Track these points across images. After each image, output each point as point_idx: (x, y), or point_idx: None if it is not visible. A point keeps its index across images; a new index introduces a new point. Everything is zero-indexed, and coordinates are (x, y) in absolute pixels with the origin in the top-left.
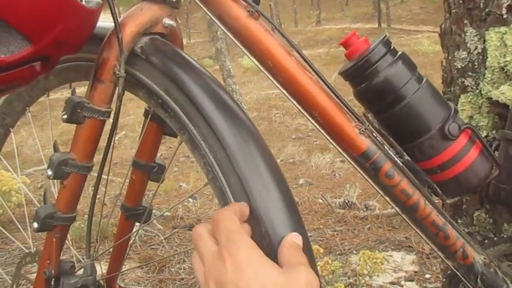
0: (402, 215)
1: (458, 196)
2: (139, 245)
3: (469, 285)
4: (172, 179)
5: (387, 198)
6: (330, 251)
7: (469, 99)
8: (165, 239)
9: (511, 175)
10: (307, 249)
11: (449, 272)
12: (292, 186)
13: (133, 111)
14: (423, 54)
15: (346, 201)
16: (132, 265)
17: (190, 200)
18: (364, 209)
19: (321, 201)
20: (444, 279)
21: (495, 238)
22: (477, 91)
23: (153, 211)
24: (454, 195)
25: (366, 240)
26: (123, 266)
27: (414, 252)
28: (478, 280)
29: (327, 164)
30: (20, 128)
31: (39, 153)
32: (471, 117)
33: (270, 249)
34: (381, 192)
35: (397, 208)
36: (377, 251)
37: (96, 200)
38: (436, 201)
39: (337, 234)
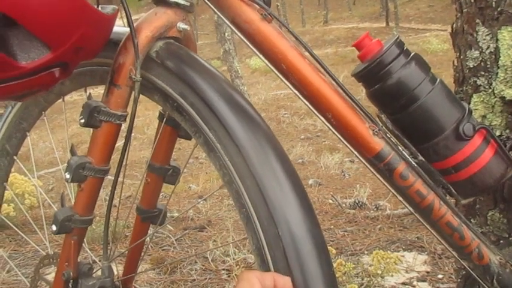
0: (417, 216)
1: (473, 196)
2: (151, 247)
3: (485, 285)
4: (181, 180)
5: (401, 199)
6: (341, 252)
7: (481, 99)
8: (176, 240)
9: None
10: (322, 250)
11: (464, 272)
12: None
13: (141, 113)
14: (432, 52)
15: (357, 201)
16: (144, 267)
17: (199, 201)
18: (375, 209)
19: (331, 201)
20: (459, 280)
21: (510, 238)
22: (490, 90)
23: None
24: (469, 195)
25: (377, 240)
26: None
27: (426, 253)
28: (494, 281)
29: (336, 164)
30: (31, 131)
31: (49, 155)
32: (484, 116)
33: (285, 251)
34: (395, 193)
35: (411, 209)
36: (388, 251)
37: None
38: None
39: (348, 234)
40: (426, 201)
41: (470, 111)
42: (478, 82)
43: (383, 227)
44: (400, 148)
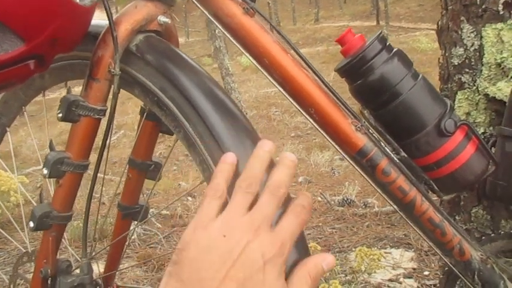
0: (399, 212)
1: (454, 193)
2: (138, 244)
3: (466, 281)
4: (171, 177)
5: (384, 196)
6: (329, 249)
7: (466, 96)
8: (164, 237)
9: (508, 171)
10: (302, 247)
11: (446, 268)
12: (291, 184)
13: (131, 110)
14: (422, 51)
15: (345, 198)
16: (131, 264)
17: (189, 198)
18: (363, 207)
19: (320, 199)
20: (442, 276)
21: (492, 234)
22: (474, 87)
23: (152, 210)
24: (451, 191)
25: (364, 237)
26: (122, 265)
27: (413, 249)
28: (475, 277)
29: (326, 162)
30: (18, 128)
31: (37, 152)
32: (468, 113)
33: None
34: (378, 189)
35: (394, 205)
36: (376, 248)
37: (95, 200)
38: (433, 198)
39: (336, 231)
40: (408, 197)
41: (452, 108)
42: (463, 79)
43: (371, 224)
44: (382, 144)
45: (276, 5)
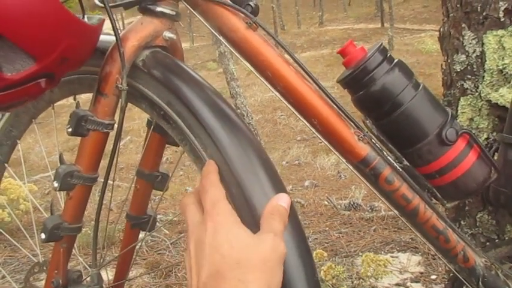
0: (402, 219)
1: (457, 200)
2: (146, 251)
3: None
4: (178, 183)
5: (388, 203)
6: (336, 253)
7: (468, 102)
8: (171, 244)
9: (510, 179)
10: (307, 259)
11: (451, 274)
12: (297, 188)
13: (138, 116)
14: (427, 53)
15: (352, 202)
16: (139, 271)
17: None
18: (370, 211)
19: (326, 203)
20: (447, 282)
21: (497, 240)
22: (477, 94)
23: (160, 216)
24: (454, 199)
25: (371, 241)
26: (130, 273)
27: (420, 254)
28: (480, 283)
29: (332, 166)
30: (26, 135)
31: (45, 160)
32: (471, 119)
33: None
34: (381, 197)
35: (397, 212)
36: (382, 252)
37: (103, 207)
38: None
39: (342, 236)
40: (412, 205)
41: (453, 116)
42: (465, 85)
43: (377, 228)
44: (385, 153)
45: (280, 9)
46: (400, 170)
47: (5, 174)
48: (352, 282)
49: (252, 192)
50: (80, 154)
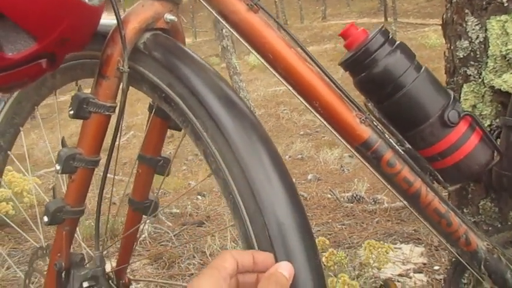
0: (404, 202)
1: (459, 183)
2: (149, 242)
3: (473, 271)
4: (181, 177)
5: (389, 187)
6: (339, 245)
7: (471, 89)
8: (174, 235)
9: None
10: (309, 242)
11: (454, 259)
12: (300, 182)
13: (141, 111)
14: (430, 47)
15: (355, 195)
16: (142, 262)
17: (199, 197)
18: (373, 203)
19: (329, 196)
20: (449, 267)
21: (499, 226)
22: (480, 80)
23: (163, 209)
24: (456, 182)
25: (374, 233)
26: (134, 264)
27: (423, 245)
28: (482, 266)
29: (336, 160)
30: (30, 131)
31: (49, 155)
32: (474, 106)
33: (270, 240)
34: (383, 180)
35: (399, 195)
36: (385, 243)
37: (106, 200)
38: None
39: (345, 228)
40: (413, 188)
41: (455, 99)
42: (468, 72)
43: (380, 220)
44: (387, 136)
45: (282, 3)
46: (402, 153)
47: (9, 167)
48: (354, 270)
49: (252, 172)
50: (82, 137)
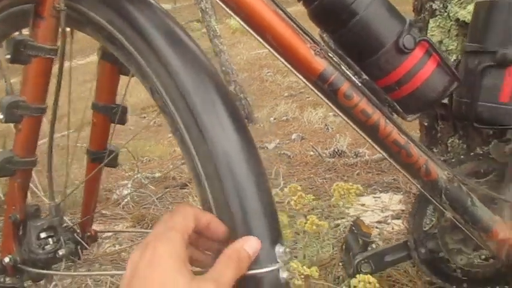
0: (363, 135)
1: (418, 112)
2: (132, 206)
3: (435, 202)
4: (166, 144)
5: (348, 120)
6: (319, 197)
7: (437, 23)
8: (157, 198)
9: (471, 88)
10: (257, 169)
11: (418, 193)
12: (285, 142)
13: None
14: None
15: (336, 150)
16: (125, 225)
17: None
18: (354, 157)
19: (312, 153)
20: (413, 201)
21: (462, 157)
22: (445, 14)
23: (146, 174)
24: (414, 111)
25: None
26: (117, 227)
27: (401, 192)
28: (443, 195)
29: (320, 119)
30: None
31: None
32: (441, 41)
33: (217, 168)
34: (341, 114)
35: (357, 129)
36: (365, 194)
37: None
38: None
39: (326, 181)
40: (371, 120)
41: (411, 24)
42: (434, 6)
43: (361, 172)
44: (343, 68)
45: None
46: (360, 84)
47: None
48: (323, 210)
49: (207, 122)
50: (24, 83)
